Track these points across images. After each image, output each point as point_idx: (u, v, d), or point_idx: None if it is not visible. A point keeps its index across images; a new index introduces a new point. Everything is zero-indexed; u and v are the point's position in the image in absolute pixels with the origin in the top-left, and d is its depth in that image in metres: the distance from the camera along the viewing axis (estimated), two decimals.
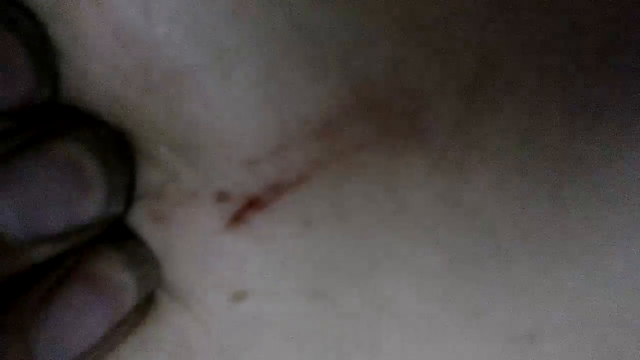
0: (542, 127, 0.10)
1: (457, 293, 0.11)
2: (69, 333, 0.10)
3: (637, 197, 0.11)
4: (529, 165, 0.10)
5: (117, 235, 0.11)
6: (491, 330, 0.11)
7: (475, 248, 0.11)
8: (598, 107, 0.09)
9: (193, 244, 0.11)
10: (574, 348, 0.12)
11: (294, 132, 0.10)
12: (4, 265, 0.10)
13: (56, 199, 0.10)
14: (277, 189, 0.10)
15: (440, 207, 0.10)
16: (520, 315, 0.11)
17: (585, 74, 0.09)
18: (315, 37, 0.09)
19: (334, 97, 0.09)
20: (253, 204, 0.10)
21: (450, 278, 0.11)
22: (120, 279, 0.11)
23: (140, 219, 0.11)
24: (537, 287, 0.11)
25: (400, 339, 0.11)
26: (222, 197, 0.10)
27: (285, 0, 0.09)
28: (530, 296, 0.11)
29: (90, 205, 0.10)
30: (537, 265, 0.11)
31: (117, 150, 0.11)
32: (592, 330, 0.12)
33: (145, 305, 0.12)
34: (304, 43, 0.09)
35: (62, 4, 0.09)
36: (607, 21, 0.09)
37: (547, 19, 0.09)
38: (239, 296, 0.11)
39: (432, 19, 0.09)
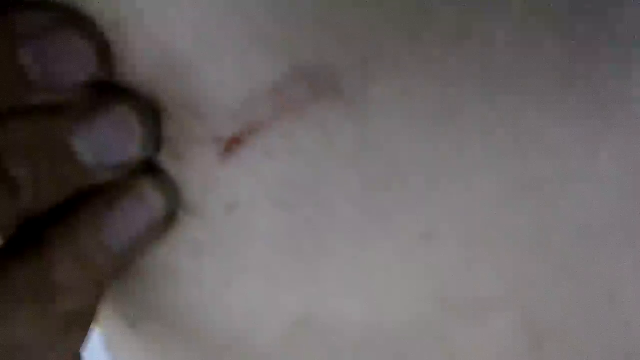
0: None
1: (377, 205, 0.17)
2: (128, 221, 0.16)
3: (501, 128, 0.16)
4: None
5: (151, 169, 0.17)
6: (399, 230, 0.17)
7: (389, 178, 0.16)
8: None
9: (198, 172, 0.17)
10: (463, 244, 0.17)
11: (257, 96, 0.15)
12: (81, 180, 0.16)
13: (114, 141, 0.16)
14: (250, 131, 0.16)
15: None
16: (418, 219, 0.17)
17: None
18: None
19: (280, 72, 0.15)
20: (235, 141, 0.16)
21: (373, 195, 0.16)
22: (156, 194, 0.17)
23: (165, 157, 0.17)
24: (429, 200, 0.17)
25: (344, 231, 0.17)
26: (216, 139, 0.16)
27: None
28: (425, 206, 0.17)
29: (133, 147, 0.16)
30: (429, 184, 0.17)
31: (149, 110, 0.16)
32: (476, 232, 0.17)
33: (171, 217, 0.17)
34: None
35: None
36: None
37: None
38: (231, 206, 0.17)
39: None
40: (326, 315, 0.19)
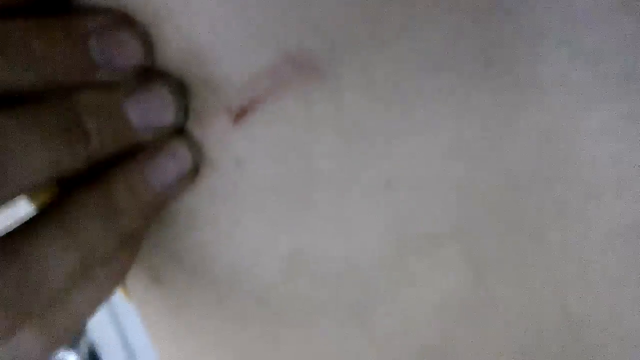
0: None
1: (348, 159, 0.22)
2: (164, 170, 0.22)
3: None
4: None
5: (181, 132, 0.23)
6: (365, 180, 0.23)
7: (356, 136, 0.22)
8: None
9: (215, 135, 0.23)
10: (417, 190, 0.23)
11: (257, 76, 0.21)
12: (131, 137, 0.22)
13: (154, 110, 0.22)
14: (253, 104, 0.22)
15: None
16: (380, 170, 0.22)
17: None
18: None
19: (272, 58, 0.21)
20: (242, 111, 0.22)
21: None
22: (185, 151, 0.23)
23: (190, 123, 0.23)
24: (389, 153, 0.22)
25: (324, 180, 0.23)
26: (228, 110, 0.22)
27: None
28: (385, 159, 0.22)
29: (169, 115, 0.22)
30: (388, 140, 0.22)
31: (180, 88, 0.22)
32: (426, 181, 0.23)
33: (196, 169, 0.23)
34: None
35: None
36: None
37: None
38: (239, 161, 0.23)
39: None
40: (314, 251, 0.24)
